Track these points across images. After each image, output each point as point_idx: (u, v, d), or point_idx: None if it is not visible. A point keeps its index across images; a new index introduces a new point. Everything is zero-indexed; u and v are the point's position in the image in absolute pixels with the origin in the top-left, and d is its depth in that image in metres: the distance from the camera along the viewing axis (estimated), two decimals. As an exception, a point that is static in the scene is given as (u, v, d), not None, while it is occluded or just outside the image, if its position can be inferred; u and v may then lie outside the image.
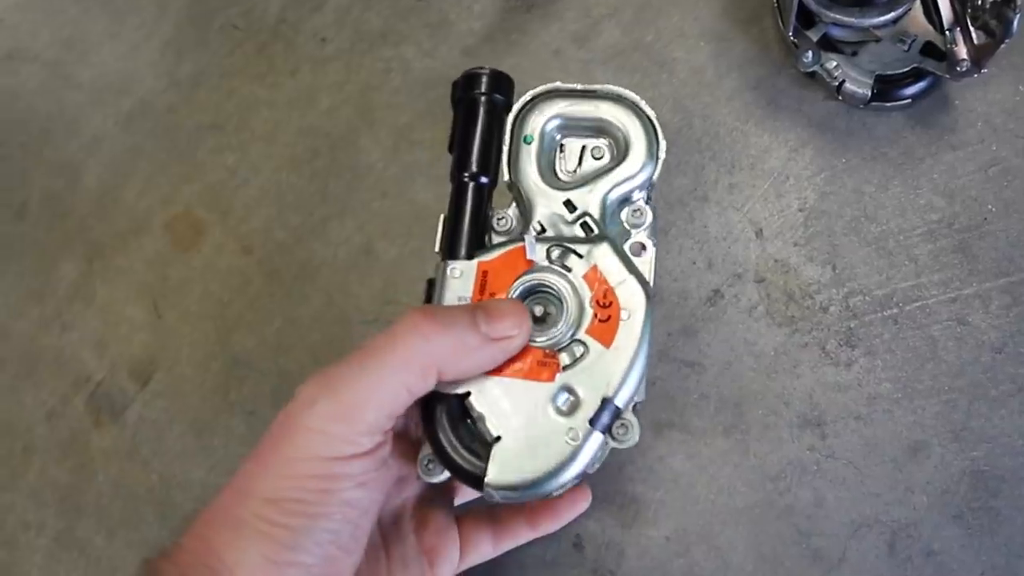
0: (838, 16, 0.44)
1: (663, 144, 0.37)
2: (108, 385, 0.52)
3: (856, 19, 0.43)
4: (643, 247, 0.36)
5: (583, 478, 0.33)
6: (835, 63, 0.44)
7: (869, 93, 0.44)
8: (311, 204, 0.51)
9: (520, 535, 0.39)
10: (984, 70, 0.42)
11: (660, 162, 0.37)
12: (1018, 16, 0.38)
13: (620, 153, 0.37)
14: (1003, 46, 0.40)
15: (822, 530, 0.40)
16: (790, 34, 0.44)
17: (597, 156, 0.38)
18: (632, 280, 0.34)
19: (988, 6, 0.40)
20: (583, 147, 0.38)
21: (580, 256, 0.34)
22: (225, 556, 0.29)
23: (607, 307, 0.34)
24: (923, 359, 0.42)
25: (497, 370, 0.33)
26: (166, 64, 0.58)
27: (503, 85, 0.38)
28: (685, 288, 0.44)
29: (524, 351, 0.33)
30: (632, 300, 0.33)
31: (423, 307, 0.33)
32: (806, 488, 0.41)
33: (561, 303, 0.34)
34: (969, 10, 0.41)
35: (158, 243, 0.54)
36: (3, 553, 0.51)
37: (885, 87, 0.44)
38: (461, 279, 0.35)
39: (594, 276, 0.34)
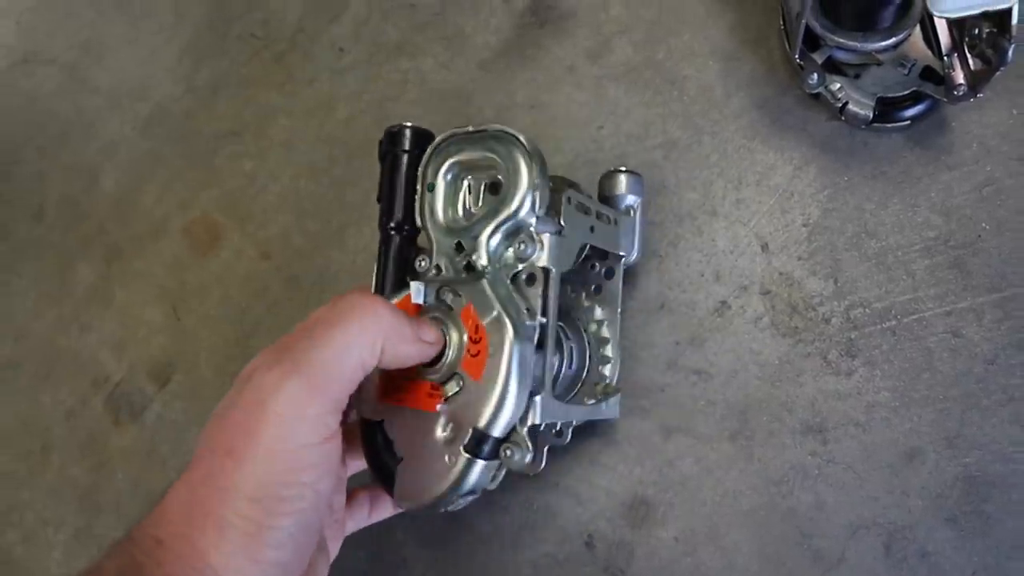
0: (842, 40, 0.45)
1: (538, 175, 0.37)
2: (127, 386, 0.53)
3: (859, 43, 0.45)
4: (535, 277, 0.37)
5: (481, 493, 0.36)
6: (839, 85, 0.46)
7: (871, 114, 0.46)
8: (329, 211, 0.53)
9: (389, 508, 0.42)
10: (980, 94, 0.44)
11: (539, 193, 0.37)
12: (1012, 45, 0.40)
13: (505, 189, 0.38)
14: (998, 73, 0.42)
15: (822, 532, 0.42)
16: (796, 56, 0.46)
17: (494, 193, 0.39)
18: (502, 315, 0.35)
19: (984, 35, 0.42)
20: (483, 185, 0.40)
21: (459, 295, 0.37)
22: (211, 558, 0.29)
23: (477, 342, 0.36)
24: (919, 369, 0.44)
25: (398, 399, 0.37)
26: (184, 70, 0.59)
27: (423, 141, 0.40)
28: (693, 299, 0.46)
29: (419, 384, 0.36)
30: (498, 335, 0.35)
31: (369, 291, 0.35)
32: (808, 492, 0.43)
33: (445, 340, 0.36)
34: (967, 38, 0.43)
35: (176, 247, 0.55)
36: (22, 549, 0.52)
37: (886, 109, 0.46)
38: None
39: (468, 313, 0.36)
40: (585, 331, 0.44)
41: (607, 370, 0.44)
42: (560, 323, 0.42)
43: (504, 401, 0.34)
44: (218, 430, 0.30)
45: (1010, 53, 0.40)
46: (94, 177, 0.58)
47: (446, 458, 0.35)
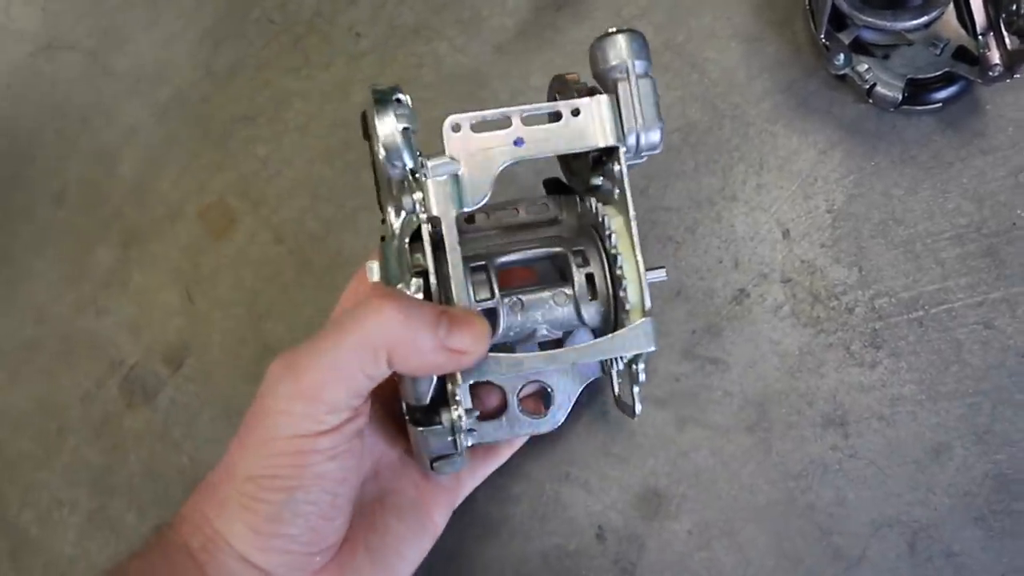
0: (871, 19, 0.44)
1: (392, 114, 0.33)
2: (141, 369, 0.53)
3: (889, 22, 0.44)
4: (418, 232, 0.34)
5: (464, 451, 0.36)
6: (866, 66, 0.45)
7: (900, 96, 0.44)
8: (343, 196, 0.52)
9: (501, 456, 0.42)
10: (1017, 75, 0.42)
11: (397, 138, 0.33)
12: (1053, 22, 0.38)
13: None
14: (1037, 52, 0.40)
15: (843, 529, 0.41)
16: (822, 36, 0.44)
17: None
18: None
19: (1022, 12, 0.40)
20: None
21: None
22: (218, 526, 0.33)
23: None
24: (948, 362, 0.42)
25: None
26: (203, 55, 0.59)
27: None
28: (711, 287, 0.45)
29: None
30: None
31: (393, 292, 0.33)
32: (828, 487, 0.41)
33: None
34: (1003, 15, 0.42)
35: (192, 231, 0.55)
36: (36, 529, 0.52)
37: (916, 90, 0.45)
38: None
39: None
40: (606, 251, 0.37)
41: (630, 293, 0.35)
42: (572, 249, 0.37)
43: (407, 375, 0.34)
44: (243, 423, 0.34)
45: (1049, 30, 0.38)
46: (113, 162, 0.59)
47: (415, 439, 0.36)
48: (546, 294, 0.37)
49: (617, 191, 0.36)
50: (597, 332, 0.38)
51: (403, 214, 0.35)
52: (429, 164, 0.34)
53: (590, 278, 0.37)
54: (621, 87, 0.35)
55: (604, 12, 0.52)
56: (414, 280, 0.33)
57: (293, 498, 0.32)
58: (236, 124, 0.56)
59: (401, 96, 0.34)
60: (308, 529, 0.32)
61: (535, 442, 0.45)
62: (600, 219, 0.36)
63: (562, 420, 0.41)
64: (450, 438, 0.34)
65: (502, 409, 0.40)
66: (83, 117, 0.61)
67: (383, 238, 0.37)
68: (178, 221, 0.55)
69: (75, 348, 0.55)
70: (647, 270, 0.35)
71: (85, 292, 0.56)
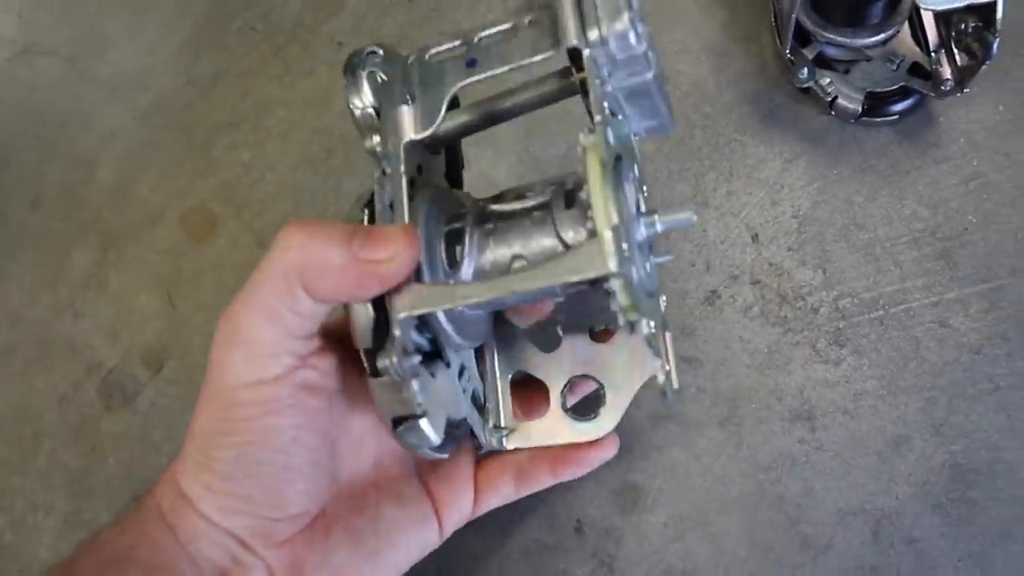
0: (832, 36, 0.46)
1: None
2: (120, 372, 0.53)
3: (849, 39, 0.46)
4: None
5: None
6: (829, 80, 0.47)
7: (860, 108, 0.47)
8: (325, 202, 0.53)
9: (543, 481, 0.39)
10: (967, 89, 0.44)
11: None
12: (997, 40, 0.41)
13: None
14: (984, 67, 0.43)
15: (810, 518, 0.43)
16: (787, 52, 0.47)
17: None
18: None
19: (970, 30, 0.43)
20: None
21: None
22: (183, 487, 0.32)
23: None
24: (907, 358, 0.44)
25: None
26: (184, 62, 0.60)
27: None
28: (684, 288, 0.47)
29: None
30: None
31: (303, 220, 0.31)
32: (796, 478, 0.43)
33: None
34: (953, 33, 0.44)
35: (172, 235, 0.55)
36: (11, 534, 0.52)
37: (875, 103, 0.47)
38: None
39: None
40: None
41: (594, 211, 0.28)
42: (545, 206, 0.33)
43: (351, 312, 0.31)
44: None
45: (995, 47, 0.41)
46: (92, 166, 0.59)
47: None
48: (519, 208, 0.33)
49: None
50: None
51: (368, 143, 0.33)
52: (385, 97, 0.33)
53: (570, 195, 0.33)
54: None
55: (580, 26, 0.54)
56: (364, 211, 0.32)
57: (243, 455, 0.31)
58: (218, 131, 0.57)
59: (376, 54, 0.33)
60: (265, 490, 0.31)
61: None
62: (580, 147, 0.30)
63: (613, 426, 0.38)
64: (405, 394, 0.30)
65: (543, 412, 0.38)
66: (62, 122, 0.61)
67: None
68: (158, 225, 0.56)
69: (51, 351, 0.55)
70: (671, 211, 0.32)
71: (62, 295, 0.56)
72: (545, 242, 0.32)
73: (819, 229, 0.47)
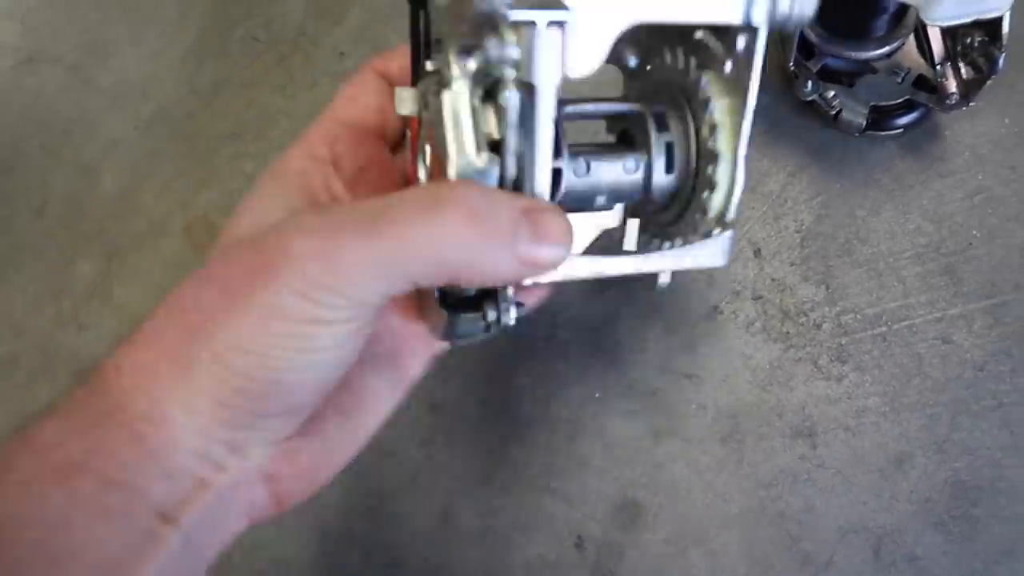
0: (837, 49, 0.46)
1: None
2: (124, 383, 0.54)
3: (854, 52, 0.46)
4: (504, 95, 0.25)
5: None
6: (833, 93, 0.47)
7: (864, 122, 0.47)
8: (327, 212, 0.53)
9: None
10: (972, 103, 0.44)
11: None
12: (1003, 54, 0.41)
13: None
14: (990, 81, 0.42)
15: (811, 535, 0.43)
16: (791, 64, 0.46)
17: None
18: (445, 151, 0.27)
19: (976, 44, 0.42)
20: None
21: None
22: (174, 393, 0.26)
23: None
24: (909, 375, 0.44)
25: None
26: (187, 72, 0.60)
27: None
28: (686, 303, 0.47)
29: None
30: (442, 176, 0.27)
31: (471, 194, 0.26)
32: (797, 495, 0.43)
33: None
34: (959, 47, 0.44)
35: (175, 246, 0.55)
36: (16, 544, 0.52)
37: (879, 117, 0.47)
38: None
39: (432, 140, 0.29)
40: (696, 132, 0.31)
41: (715, 199, 0.30)
42: (659, 110, 0.32)
43: None
44: (229, 260, 0.27)
45: (1001, 62, 0.41)
46: (96, 176, 0.59)
47: (433, 305, 0.30)
48: (616, 158, 0.31)
49: (731, 66, 0.29)
50: (649, 211, 0.34)
51: (474, 60, 0.25)
52: (535, 3, 0.25)
53: (669, 147, 0.31)
54: None
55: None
56: (487, 155, 0.26)
57: (281, 379, 0.27)
58: (221, 141, 0.57)
59: None
60: (287, 408, 0.28)
61: (514, 453, 0.46)
62: (703, 96, 0.30)
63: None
64: (483, 324, 0.29)
65: None
66: (65, 131, 0.61)
67: (416, 57, 0.31)
68: (162, 236, 0.56)
69: (55, 363, 0.55)
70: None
71: (65, 307, 0.56)
72: (630, 188, 0.32)
73: (822, 244, 0.47)
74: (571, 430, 0.46)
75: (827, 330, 0.45)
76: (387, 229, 0.25)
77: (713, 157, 0.30)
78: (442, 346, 0.35)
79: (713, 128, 0.30)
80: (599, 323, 0.47)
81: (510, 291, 0.28)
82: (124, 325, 0.55)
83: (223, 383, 0.26)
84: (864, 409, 0.44)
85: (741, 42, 0.29)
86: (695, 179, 0.32)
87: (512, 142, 0.26)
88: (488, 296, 0.29)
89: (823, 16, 0.46)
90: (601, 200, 0.32)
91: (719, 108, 0.30)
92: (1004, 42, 0.40)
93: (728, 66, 0.30)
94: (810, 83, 0.47)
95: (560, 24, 0.25)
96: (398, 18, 0.57)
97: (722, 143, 0.30)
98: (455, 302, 0.29)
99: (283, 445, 0.29)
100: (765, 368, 0.45)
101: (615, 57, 0.35)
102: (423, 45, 0.31)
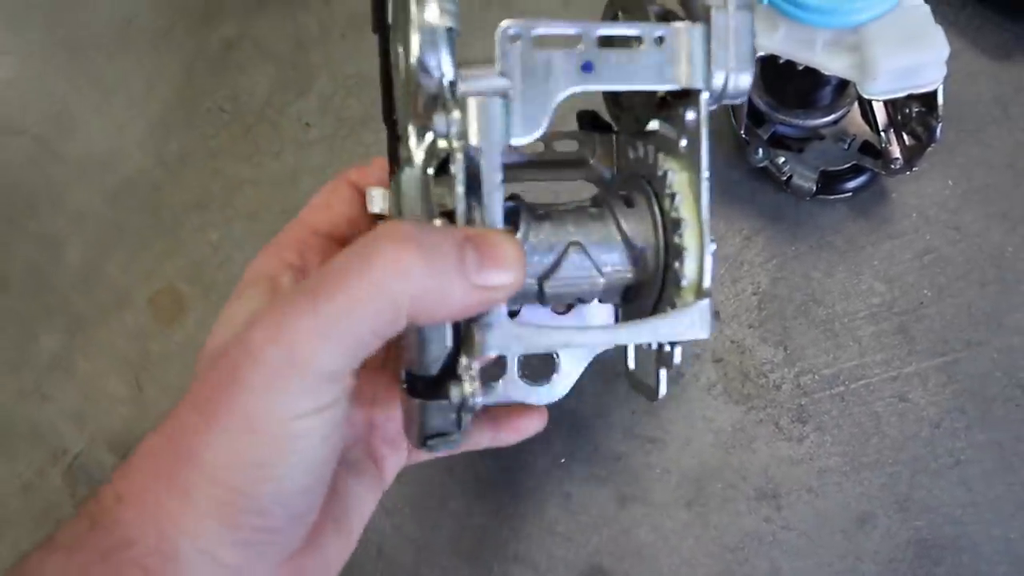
0: (785, 117, 0.48)
1: (434, 9, 0.26)
2: (86, 458, 0.53)
3: (801, 120, 0.48)
4: (448, 162, 0.27)
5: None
6: (783, 159, 0.48)
7: (814, 187, 0.48)
8: (292, 281, 0.54)
9: (479, 442, 0.38)
10: (916, 167, 0.46)
11: (437, 36, 0.26)
12: (940, 124, 0.43)
13: (393, 36, 0.30)
14: (930, 148, 0.44)
15: (779, 599, 0.43)
16: (742, 132, 0.48)
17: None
18: None
19: (914, 114, 0.44)
20: None
21: None
22: (181, 522, 0.26)
23: None
24: (868, 434, 0.45)
25: None
26: (153, 143, 0.60)
27: None
28: (647, 369, 0.47)
29: None
30: None
31: (403, 226, 0.26)
32: (763, 558, 0.43)
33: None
34: (899, 117, 0.46)
35: (140, 318, 0.55)
36: (-28, 629, 0.51)
37: (828, 181, 0.48)
38: None
39: None
40: (661, 210, 0.32)
41: (687, 266, 0.30)
42: (601, 204, 0.33)
43: (416, 337, 0.28)
44: (202, 378, 0.27)
45: (938, 131, 0.43)
46: (60, 247, 0.59)
47: (407, 405, 0.30)
48: (571, 203, 0.32)
49: (685, 142, 0.30)
50: (629, 299, 0.34)
51: (428, 138, 0.27)
52: (474, 77, 0.27)
53: (628, 199, 0.32)
54: (716, 16, 0.28)
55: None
56: (438, 222, 0.27)
57: (280, 488, 0.26)
58: (187, 211, 0.57)
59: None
60: (291, 518, 0.28)
61: (481, 521, 0.46)
62: (661, 172, 0.31)
63: (564, 393, 0.36)
64: (454, 415, 0.29)
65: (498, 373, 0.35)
66: (30, 203, 0.61)
67: (392, 160, 0.31)
68: (126, 308, 0.56)
69: (15, 437, 0.54)
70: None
71: (27, 379, 0.55)
72: (605, 230, 0.32)
73: (779, 306, 0.48)
74: (537, 496, 0.46)
75: (786, 391, 0.46)
76: (329, 286, 0.25)
77: (677, 224, 0.31)
78: (414, 458, 0.37)
79: (673, 197, 0.31)
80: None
81: (469, 364, 0.28)
82: (87, 398, 0.54)
83: (225, 505, 0.26)
84: (826, 469, 0.44)
85: (689, 114, 0.30)
86: (666, 255, 0.32)
87: (461, 208, 0.27)
88: (450, 374, 0.28)
89: (771, 86, 0.48)
90: (583, 278, 0.31)
91: (677, 181, 0.31)
92: (940, 112, 0.42)
93: (682, 143, 0.31)
94: (761, 150, 0.48)
95: (502, 95, 0.27)
96: (360, 88, 0.58)
97: (684, 211, 0.31)
98: (421, 386, 0.29)
99: (288, 565, 0.29)
100: (727, 430, 0.45)
101: (594, 176, 0.38)
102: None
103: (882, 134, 0.47)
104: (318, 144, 0.57)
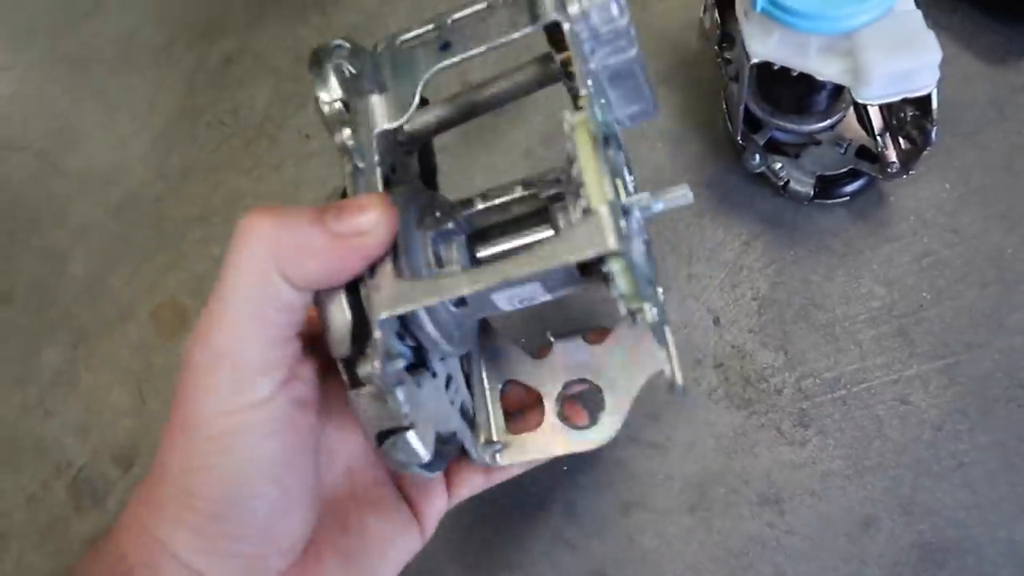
0: (781, 122, 0.48)
1: None
2: (90, 471, 0.53)
3: (797, 125, 0.48)
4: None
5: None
6: (780, 164, 0.49)
7: (812, 191, 0.48)
8: (294, 292, 0.54)
9: (513, 471, 0.38)
10: (912, 171, 0.46)
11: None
12: (935, 127, 0.43)
13: None
14: (926, 152, 0.44)
15: (783, 604, 0.42)
16: (739, 138, 0.48)
17: None
18: None
19: (909, 118, 0.45)
20: None
21: None
22: (158, 534, 0.28)
23: None
24: (870, 437, 0.45)
25: None
26: (155, 157, 0.61)
27: None
28: (649, 372, 0.47)
29: None
30: None
31: (263, 207, 0.28)
32: (767, 563, 0.43)
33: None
34: (894, 121, 0.46)
35: (143, 330, 0.56)
36: (-23, 644, 0.51)
37: (826, 185, 0.49)
38: None
39: None
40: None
41: (587, 187, 0.27)
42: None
43: (320, 312, 0.30)
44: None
45: (933, 135, 0.43)
46: (64, 261, 0.59)
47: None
48: (506, 200, 0.33)
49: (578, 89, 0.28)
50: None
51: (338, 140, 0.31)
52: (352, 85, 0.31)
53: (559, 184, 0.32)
54: None
55: (541, 116, 0.55)
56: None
57: (236, 491, 0.27)
58: (189, 224, 0.58)
59: (343, 48, 0.32)
60: (260, 528, 0.28)
61: (484, 531, 0.46)
62: (567, 127, 0.28)
63: (616, 431, 0.35)
64: (388, 403, 0.28)
65: (538, 422, 0.36)
66: (33, 217, 0.62)
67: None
68: (129, 321, 0.56)
69: (20, 450, 0.54)
70: (666, 191, 0.30)
71: (31, 393, 0.56)
72: (542, 234, 0.32)
73: (779, 310, 0.48)
74: (540, 505, 0.46)
75: (788, 395, 0.46)
76: (221, 273, 0.28)
77: (572, 161, 0.28)
78: (457, 495, 0.38)
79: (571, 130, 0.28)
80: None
81: (377, 335, 0.28)
82: (91, 411, 0.54)
83: (187, 511, 0.27)
84: (829, 473, 0.44)
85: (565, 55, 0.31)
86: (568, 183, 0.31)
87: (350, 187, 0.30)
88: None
89: (767, 92, 0.48)
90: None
91: (575, 119, 0.28)
92: (935, 116, 0.42)
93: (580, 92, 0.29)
94: (757, 155, 0.48)
95: (376, 91, 0.31)
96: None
97: (579, 137, 0.28)
98: (347, 368, 0.29)
99: None
100: (729, 435, 0.45)
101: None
102: None
103: (878, 138, 0.47)
104: (318, 156, 0.57)
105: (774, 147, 0.49)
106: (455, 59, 0.31)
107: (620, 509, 0.45)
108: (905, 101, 0.42)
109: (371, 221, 0.28)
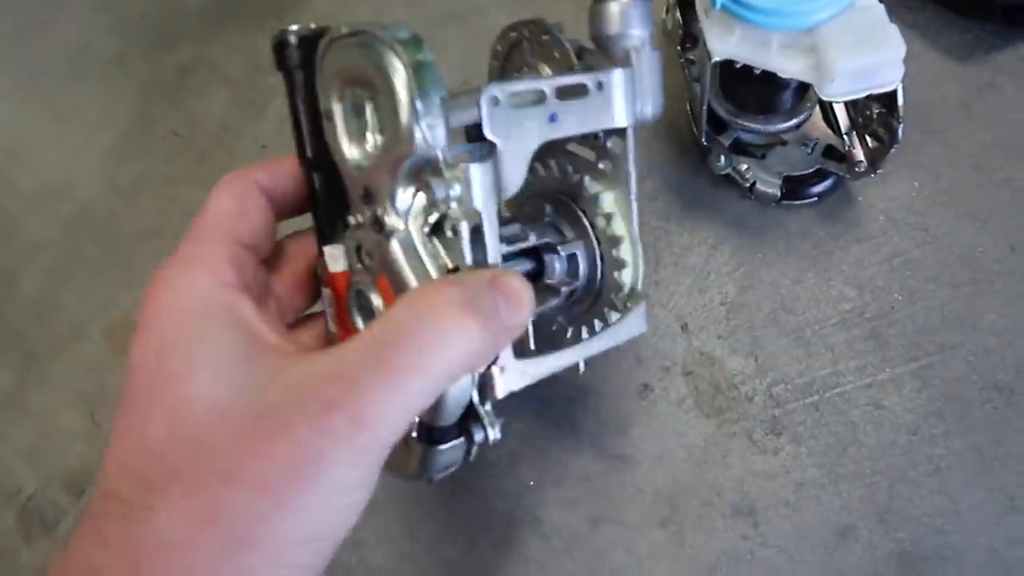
0: (746, 122, 0.47)
1: (423, 89, 0.26)
2: (40, 498, 0.51)
3: (762, 125, 0.47)
4: (455, 230, 0.28)
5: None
6: (746, 166, 0.47)
7: (779, 192, 0.47)
8: (251, 307, 0.52)
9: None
10: (880, 170, 0.45)
11: (429, 116, 0.26)
12: (902, 124, 0.42)
13: (384, 116, 0.28)
14: (893, 150, 0.43)
15: (759, 620, 0.41)
16: (703, 140, 0.47)
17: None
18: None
19: (875, 116, 0.44)
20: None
21: (373, 260, 0.30)
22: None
23: None
24: (845, 444, 0.44)
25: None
26: (108, 171, 0.59)
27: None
28: (616, 384, 0.46)
29: None
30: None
31: (454, 291, 0.26)
32: (741, 578, 0.42)
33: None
34: (860, 119, 0.45)
35: (96, 350, 0.54)
36: None
37: (793, 186, 0.47)
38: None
39: (383, 285, 0.30)
40: (593, 227, 0.36)
41: (625, 275, 0.35)
42: (556, 222, 0.37)
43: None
44: (253, 456, 0.25)
45: (900, 132, 0.42)
46: (13, 279, 0.57)
47: (409, 443, 0.29)
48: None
49: (603, 165, 0.35)
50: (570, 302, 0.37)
51: (419, 201, 0.28)
52: (464, 146, 0.29)
53: (572, 259, 0.36)
54: (637, 59, 0.32)
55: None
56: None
57: (332, 553, 0.27)
58: (143, 239, 0.56)
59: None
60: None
61: (451, 551, 0.44)
62: (590, 194, 0.35)
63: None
64: (464, 451, 0.30)
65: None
66: (-18, 236, 0.60)
67: (327, 220, 0.32)
68: (81, 340, 0.54)
69: (-32, 478, 0.52)
70: None
71: (-20, 417, 0.54)
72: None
73: (748, 315, 0.46)
74: (507, 523, 0.44)
75: (759, 402, 0.45)
76: (406, 362, 0.25)
77: (615, 240, 0.35)
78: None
79: (608, 217, 0.35)
80: (529, 409, 0.46)
81: (488, 406, 0.30)
82: (41, 435, 0.52)
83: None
84: (803, 482, 0.43)
85: (611, 143, 0.34)
86: (603, 265, 0.36)
87: (467, 267, 0.28)
88: (469, 417, 0.30)
89: (731, 92, 0.47)
90: None
91: (609, 201, 0.35)
92: (901, 113, 0.41)
93: (601, 165, 0.35)
94: (723, 157, 0.47)
95: (491, 156, 0.29)
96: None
97: (618, 228, 0.35)
98: (438, 434, 0.29)
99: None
100: (700, 445, 0.44)
101: None
102: (332, 204, 0.32)
103: (845, 137, 0.47)
104: (276, 166, 0.56)
105: (740, 148, 0.48)
106: (558, 136, 0.31)
107: (589, 525, 0.43)
108: (871, 98, 0.41)
109: (527, 319, 0.28)
